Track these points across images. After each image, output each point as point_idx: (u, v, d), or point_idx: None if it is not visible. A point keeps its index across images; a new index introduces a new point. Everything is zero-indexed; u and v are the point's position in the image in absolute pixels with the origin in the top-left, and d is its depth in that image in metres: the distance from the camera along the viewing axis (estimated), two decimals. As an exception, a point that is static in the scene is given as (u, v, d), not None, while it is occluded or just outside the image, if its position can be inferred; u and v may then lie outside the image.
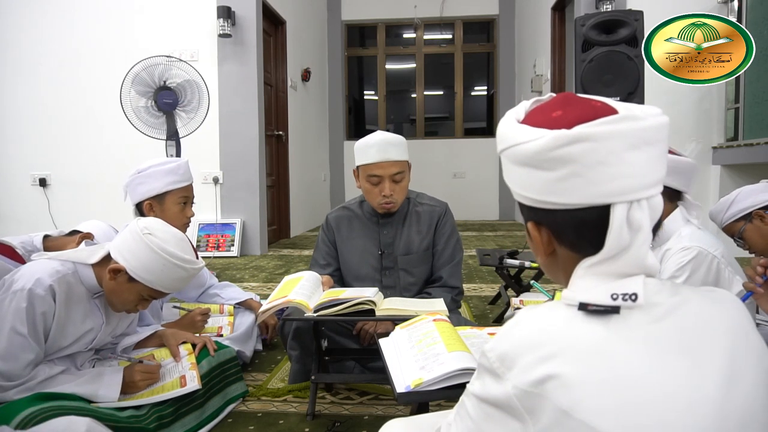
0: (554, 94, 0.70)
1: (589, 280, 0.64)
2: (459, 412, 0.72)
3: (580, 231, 0.65)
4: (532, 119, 0.67)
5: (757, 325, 1.75)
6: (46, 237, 1.91)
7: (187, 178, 2.05)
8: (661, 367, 0.60)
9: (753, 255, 1.83)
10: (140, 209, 2.00)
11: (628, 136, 0.61)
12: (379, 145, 1.86)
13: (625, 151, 0.61)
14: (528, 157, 0.64)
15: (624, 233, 0.62)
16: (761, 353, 0.65)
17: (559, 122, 0.63)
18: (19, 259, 1.72)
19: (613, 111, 0.63)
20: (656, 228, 0.66)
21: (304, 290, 1.62)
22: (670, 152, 1.44)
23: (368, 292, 1.61)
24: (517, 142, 0.65)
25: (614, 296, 0.61)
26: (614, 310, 0.61)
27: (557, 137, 0.61)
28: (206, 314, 2.07)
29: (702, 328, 0.63)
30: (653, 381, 0.59)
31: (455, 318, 1.75)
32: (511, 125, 0.67)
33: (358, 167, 1.93)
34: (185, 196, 2.03)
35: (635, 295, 0.61)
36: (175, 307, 2.14)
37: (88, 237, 1.89)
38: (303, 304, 1.54)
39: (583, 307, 0.62)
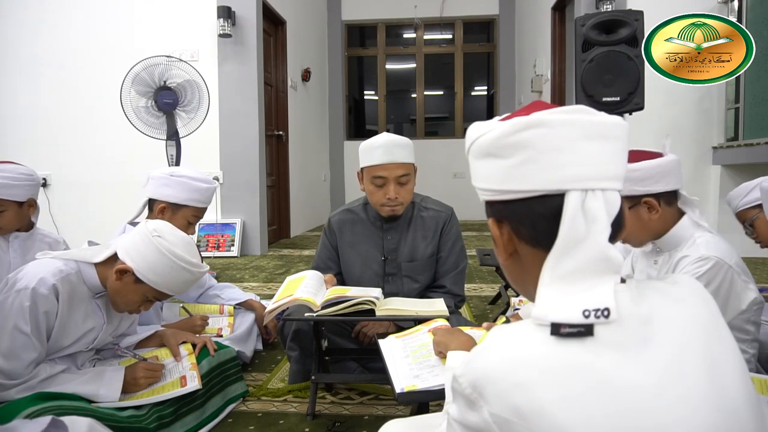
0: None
1: (556, 287, 0.63)
2: None
3: (537, 222, 0.65)
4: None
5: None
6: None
7: (208, 201, 2.09)
8: (646, 382, 0.58)
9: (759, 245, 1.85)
10: (150, 204, 2.02)
11: (582, 126, 0.64)
12: (384, 147, 1.80)
13: (579, 140, 0.63)
14: (488, 145, 0.68)
15: (579, 222, 0.62)
16: (733, 346, 0.64)
17: (520, 114, 0.67)
18: None
19: None
20: (618, 230, 0.65)
21: (309, 288, 1.60)
22: (652, 156, 1.42)
23: (374, 292, 1.61)
24: (479, 134, 0.69)
25: (586, 313, 0.60)
26: (588, 330, 0.59)
27: (514, 123, 0.65)
28: (206, 320, 2.10)
29: (676, 334, 0.62)
30: (640, 398, 0.57)
31: (455, 318, 1.75)
32: (478, 125, 0.72)
33: (362, 169, 1.88)
34: (197, 216, 2.07)
35: (607, 310, 0.60)
36: (180, 306, 2.15)
37: None
38: (310, 302, 1.53)
39: (556, 330, 0.60)
